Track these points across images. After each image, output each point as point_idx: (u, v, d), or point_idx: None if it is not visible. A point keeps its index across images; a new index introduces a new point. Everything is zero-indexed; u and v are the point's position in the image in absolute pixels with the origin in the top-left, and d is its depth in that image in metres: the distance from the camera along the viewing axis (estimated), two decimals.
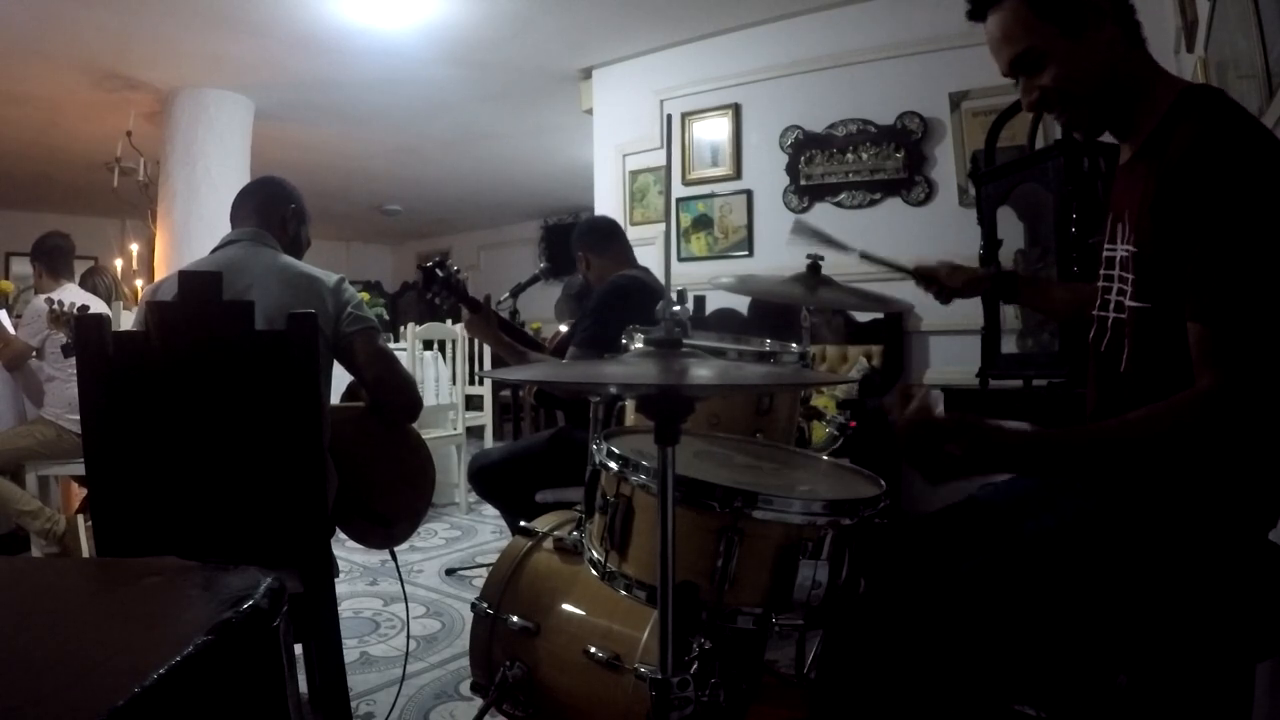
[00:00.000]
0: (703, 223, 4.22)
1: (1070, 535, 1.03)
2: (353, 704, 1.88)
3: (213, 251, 1.82)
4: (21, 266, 6.88)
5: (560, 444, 2.40)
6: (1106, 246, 1.13)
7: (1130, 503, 1.02)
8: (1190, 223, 0.95)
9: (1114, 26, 1.05)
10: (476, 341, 4.43)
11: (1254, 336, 0.91)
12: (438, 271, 2.49)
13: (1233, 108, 1.00)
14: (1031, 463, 0.99)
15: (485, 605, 1.57)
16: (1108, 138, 1.17)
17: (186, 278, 1.48)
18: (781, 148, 3.95)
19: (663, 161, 4.44)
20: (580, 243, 2.62)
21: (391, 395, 1.81)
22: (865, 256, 1.68)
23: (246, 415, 1.43)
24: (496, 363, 2.63)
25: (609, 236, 2.63)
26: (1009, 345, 2.77)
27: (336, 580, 1.64)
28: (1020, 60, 1.09)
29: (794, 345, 1.70)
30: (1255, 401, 0.91)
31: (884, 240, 3.60)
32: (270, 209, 1.88)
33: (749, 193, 4.08)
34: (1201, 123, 0.97)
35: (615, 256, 2.58)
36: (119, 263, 4.84)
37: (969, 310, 2.82)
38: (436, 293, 2.51)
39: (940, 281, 1.58)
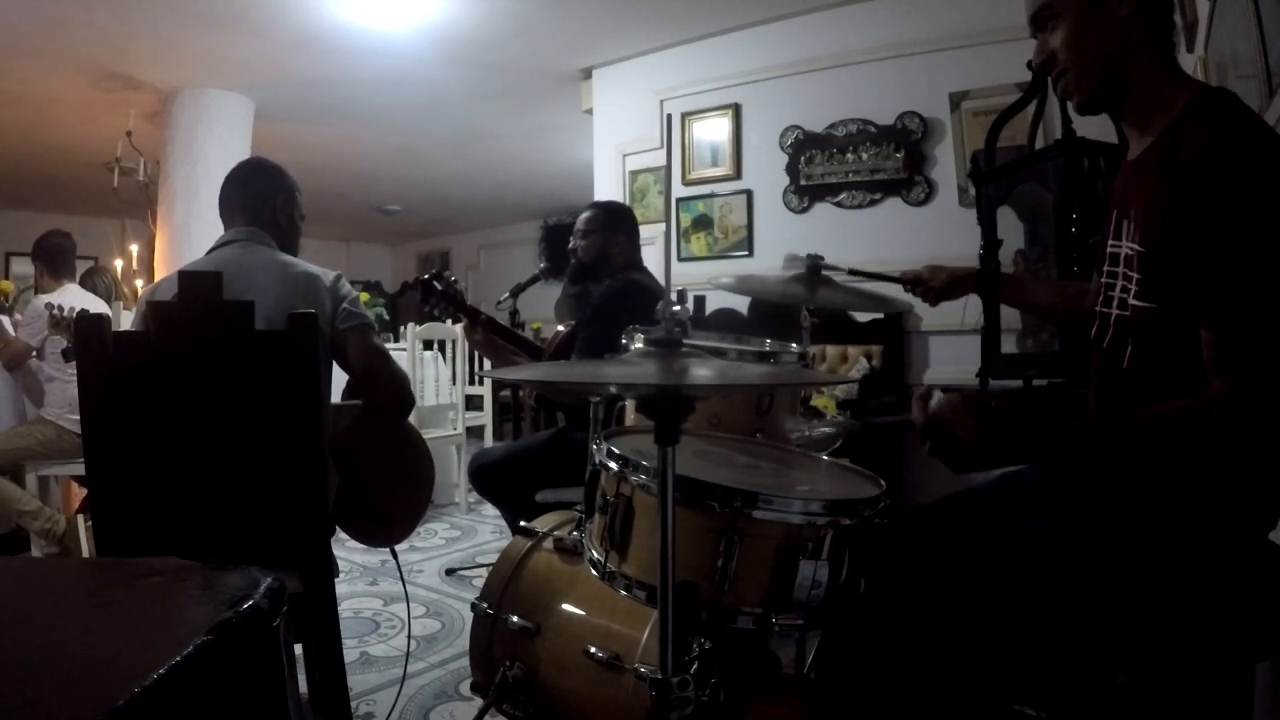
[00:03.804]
0: (703, 223, 4.22)
1: (1070, 534, 1.03)
2: (353, 704, 1.88)
3: (209, 252, 1.82)
4: (21, 266, 6.89)
5: (559, 444, 2.40)
6: (1111, 242, 1.13)
7: (1130, 502, 1.02)
8: (1204, 227, 0.95)
9: (1138, 13, 1.05)
10: None
11: (1267, 344, 0.91)
12: (435, 284, 2.49)
13: (1246, 112, 0.99)
14: (1049, 448, 0.97)
15: (485, 605, 1.57)
16: (1107, 136, 1.17)
17: (186, 278, 1.48)
18: (781, 148, 3.95)
19: (663, 161, 4.44)
20: (612, 217, 2.55)
21: (383, 391, 1.80)
22: (853, 273, 1.72)
23: (247, 415, 1.43)
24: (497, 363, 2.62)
25: (629, 226, 2.61)
26: (1009, 345, 2.77)
27: (336, 580, 1.64)
28: (1039, 16, 1.11)
29: (794, 345, 1.70)
30: (1267, 407, 0.90)
31: (884, 240, 3.62)
32: (260, 204, 1.86)
33: (749, 193, 4.08)
34: (1216, 126, 0.97)
35: (628, 244, 2.56)
36: (119, 263, 4.84)
37: (966, 310, 2.82)
38: (435, 304, 2.51)
39: (925, 283, 1.61)
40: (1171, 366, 1.00)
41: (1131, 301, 1.06)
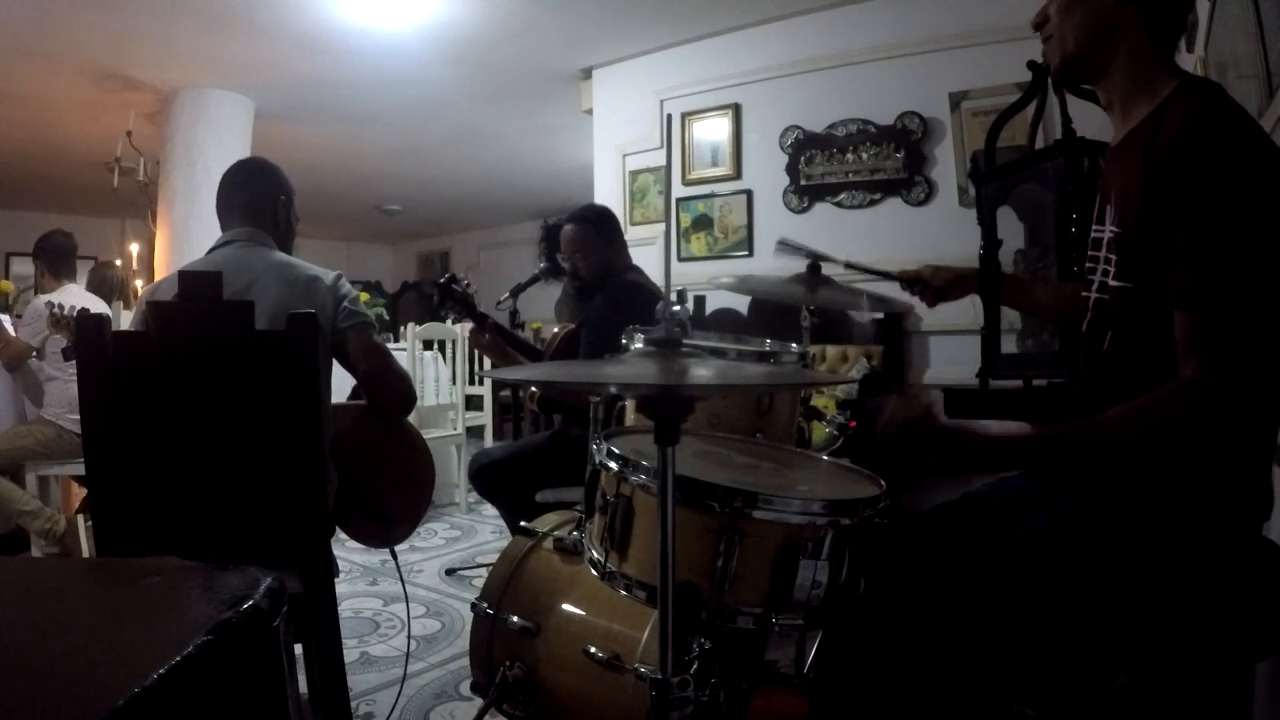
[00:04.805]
0: (703, 223, 4.22)
1: (1067, 535, 1.03)
2: (353, 704, 1.88)
3: (209, 252, 1.82)
4: (22, 266, 6.90)
5: (557, 443, 2.40)
6: (1094, 228, 1.14)
7: (1126, 502, 1.02)
8: (1178, 208, 0.95)
9: (1135, 5, 1.05)
10: None
11: (1239, 326, 0.91)
12: (454, 287, 2.51)
13: (1225, 100, 1.00)
14: (1014, 463, 1.01)
15: (485, 605, 1.57)
16: (1107, 136, 1.18)
17: (186, 278, 1.48)
18: (781, 148, 3.95)
19: (663, 161, 4.44)
20: (604, 226, 2.54)
21: (385, 389, 1.80)
22: (850, 265, 1.69)
23: (246, 415, 1.43)
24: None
25: (619, 228, 2.62)
26: (1009, 345, 2.77)
27: (336, 580, 1.64)
28: None
29: (794, 345, 1.70)
30: (1240, 392, 0.91)
31: (884, 240, 3.62)
32: (262, 205, 1.86)
33: (749, 193, 4.08)
34: (1195, 111, 0.98)
35: (623, 248, 2.57)
36: (118, 263, 4.84)
37: (969, 310, 2.83)
38: (451, 308, 2.53)
39: (925, 282, 1.58)
40: (1149, 347, 1.01)
41: (1111, 283, 1.07)
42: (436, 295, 2.55)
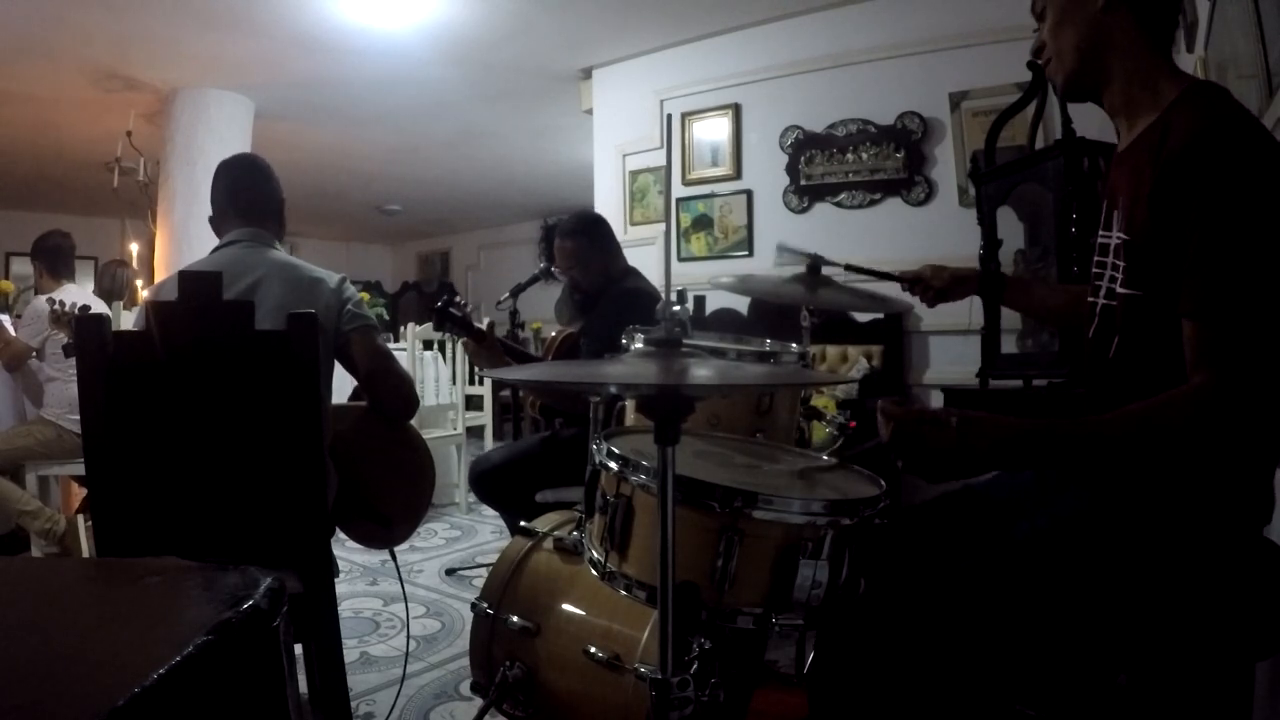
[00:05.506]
0: (703, 223, 4.22)
1: (1067, 534, 1.03)
2: (353, 704, 1.88)
3: (213, 251, 1.82)
4: (21, 266, 6.90)
5: (551, 444, 2.41)
6: (1101, 234, 1.14)
7: (1126, 501, 1.02)
8: (1187, 216, 0.95)
9: (1120, 5, 1.05)
10: None
11: (1249, 335, 0.91)
12: (452, 310, 2.51)
13: (1234, 105, 1.00)
14: (1027, 452, 0.98)
15: (485, 605, 1.57)
16: (1107, 136, 1.18)
17: (186, 278, 1.48)
18: (781, 148, 3.95)
19: (663, 161, 4.44)
20: (597, 235, 2.54)
21: (387, 392, 1.80)
22: (849, 268, 1.70)
23: (247, 415, 1.43)
24: None
25: (612, 233, 2.63)
26: (1009, 345, 2.78)
27: (336, 580, 1.64)
28: (1035, 5, 1.17)
29: (794, 345, 1.70)
30: (1250, 399, 0.91)
31: (884, 240, 3.62)
32: (266, 205, 1.86)
33: (749, 193, 4.08)
34: (1203, 116, 0.97)
35: (619, 252, 2.58)
36: (134, 264, 4.84)
37: (964, 311, 2.82)
38: (450, 329, 2.53)
39: (925, 282, 1.59)
40: (1157, 355, 1.01)
41: (1118, 290, 1.07)
42: (434, 319, 2.55)
